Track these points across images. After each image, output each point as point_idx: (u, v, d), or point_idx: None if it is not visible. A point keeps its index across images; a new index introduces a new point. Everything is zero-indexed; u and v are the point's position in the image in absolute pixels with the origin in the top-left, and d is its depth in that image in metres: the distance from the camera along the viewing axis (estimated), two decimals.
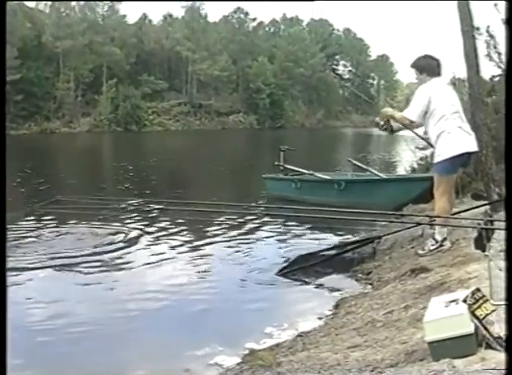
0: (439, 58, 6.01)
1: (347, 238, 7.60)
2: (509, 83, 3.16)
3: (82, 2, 79.53)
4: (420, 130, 6.35)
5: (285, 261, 6.54)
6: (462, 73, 8.97)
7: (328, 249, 6.62)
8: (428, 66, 5.95)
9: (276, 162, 12.51)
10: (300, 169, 12.40)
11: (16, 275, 6.27)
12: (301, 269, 6.20)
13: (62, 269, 6.67)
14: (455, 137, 5.76)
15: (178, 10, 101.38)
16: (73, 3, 79.09)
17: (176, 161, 25.96)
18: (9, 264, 6.40)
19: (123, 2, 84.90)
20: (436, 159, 5.83)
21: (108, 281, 6.22)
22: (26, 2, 76.34)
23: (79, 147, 43.55)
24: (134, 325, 4.96)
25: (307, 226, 8.89)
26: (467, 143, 5.82)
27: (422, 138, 6.64)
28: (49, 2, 78.60)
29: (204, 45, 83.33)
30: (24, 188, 14.88)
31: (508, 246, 2.80)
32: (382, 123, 6.20)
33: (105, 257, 7.22)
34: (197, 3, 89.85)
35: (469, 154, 5.88)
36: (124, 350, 4.51)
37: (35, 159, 26.79)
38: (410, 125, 6.03)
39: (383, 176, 11.86)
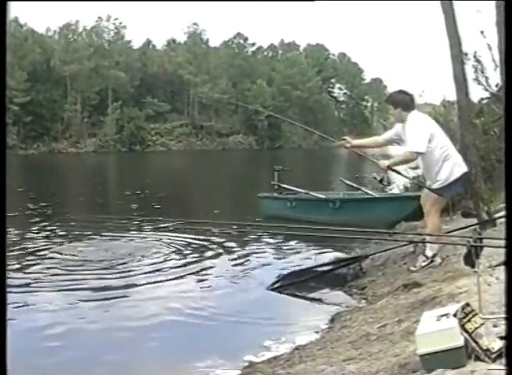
0: (412, 93, 6.20)
1: (341, 255, 7.60)
2: (509, 86, 3.11)
3: (89, 28, 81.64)
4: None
5: (277, 276, 6.56)
6: (451, 95, 9.23)
7: (317, 266, 6.70)
8: (402, 101, 6.03)
9: (273, 182, 12.49)
10: (296, 189, 12.42)
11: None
12: (293, 284, 6.27)
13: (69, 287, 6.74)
14: (457, 159, 5.99)
15: (181, 36, 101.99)
16: (80, 29, 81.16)
17: (179, 181, 26.18)
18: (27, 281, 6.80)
19: (128, 29, 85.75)
20: (445, 182, 5.89)
21: (109, 297, 6.28)
22: (36, 28, 78.87)
23: (88, 166, 44.25)
24: (137, 339, 5.04)
25: (302, 243, 8.89)
26: (463, 163, 6.07)
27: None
28: (58, 29, 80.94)
29: (206, 69, 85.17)
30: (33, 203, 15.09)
31: (508, 257, 2.83)
32: (382, 178, 6.28)
33: (108, 273, 7.29)
34: (199, 29, 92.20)
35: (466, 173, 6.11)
36: (128, 362, 4.60)
37: (48, 177, 27.66)
38: (412, 160, 6.14)
39: (375, 194, 11.90)
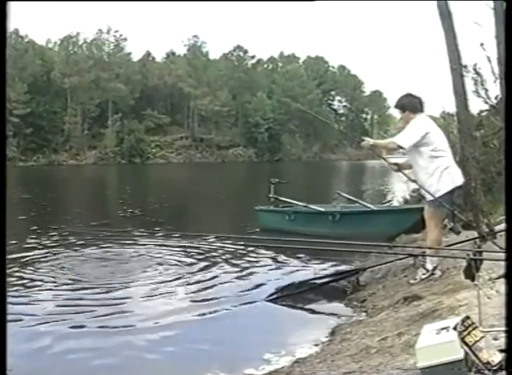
0: (420, 95, 6.22)
1: (339, 268, 7.61)
2: (508, 99, 3.08)
3: (89, 40, 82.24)
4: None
5: (275, 288, 6.54)
6: (451, 107, 9.11)
7: (316, 278, 6.68)
8: (409, 104, 6.07)
9: (270, 195, 12.40)
10: (294, 201, 12.32)
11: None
12: (291, 296, 6.25)
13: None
14: (453, 171, 5.97)
15: (180, 48, 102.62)
16: (80, 42, 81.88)
17: (180, 193, 26.50)
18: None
19: (128, 41, 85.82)
20: (438, 193, 5.85)
21: (109, 312, 6.15)
22: (36, 40, 79.75)
23: (92, 178, 44.36)
24: (138, 353, 5.00)
25: (301, 256, 8.84)
26: (460, 176, 6.08)
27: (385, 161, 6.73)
28: (58, 41, 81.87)
29: (205, 82, 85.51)
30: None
31: (508, 270, 2.77)
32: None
33: (105, 285, 7.29)
34: (199, 41, 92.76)
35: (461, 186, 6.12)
36: (128, 373, 4.65)
37: (54, 189, 28.04)
38: (392, 150, 6.28)
39: (373, 207, 11.90)
